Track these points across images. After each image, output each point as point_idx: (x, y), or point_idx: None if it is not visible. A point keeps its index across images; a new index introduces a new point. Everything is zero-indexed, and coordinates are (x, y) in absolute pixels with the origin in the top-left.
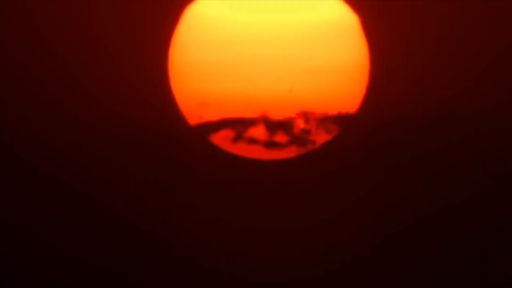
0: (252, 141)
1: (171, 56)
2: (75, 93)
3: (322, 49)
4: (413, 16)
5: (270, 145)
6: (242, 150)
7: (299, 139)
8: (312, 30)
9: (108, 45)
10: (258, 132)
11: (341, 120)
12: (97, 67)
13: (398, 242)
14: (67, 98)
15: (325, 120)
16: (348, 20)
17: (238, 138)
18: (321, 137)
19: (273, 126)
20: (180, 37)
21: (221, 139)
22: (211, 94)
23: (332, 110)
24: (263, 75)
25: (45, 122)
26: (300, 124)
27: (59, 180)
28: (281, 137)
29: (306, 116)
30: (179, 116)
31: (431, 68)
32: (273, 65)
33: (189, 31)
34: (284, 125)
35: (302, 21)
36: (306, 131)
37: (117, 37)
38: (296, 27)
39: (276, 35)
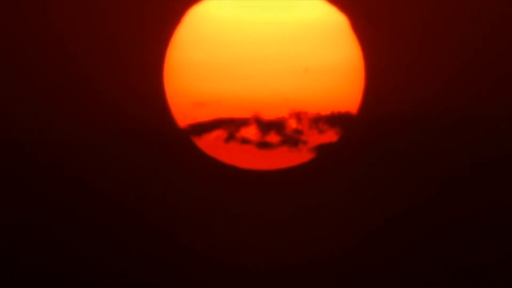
0: (245, 141)
1: (169, 56)
2: (69, 91)
3: (315, 50)
4: (403, 15)
5: (263, 145)
6: (235, 150)
7: (291, 139)
8: (305, 31)
9: (107, 46)
10: (251, 132)
11: (334, 120)
12: (94, 67)
13: (395, 239)
14: (60, 95)
15: (318, 120)
16: (337, 21)
17: (230, 138)
18: (313, 137)
19: (265, 126)
20: (178, 38)
21: (214, 139)
22: (204, 95)
23: (325, 110)
24: (256, 75)
25: (39, 119)
26: (293, 124)
27: (49, 177)
28: (273, 137)
29: (298, 116)
30: (171, 118)
31: (426, 66)
32: (265, 65)
33: (187, 32)
34: (276, 125)
35: (295, 22)
36: (298, 131)
37: (117, 39)
38: (289, 28)
39: (269, 35)
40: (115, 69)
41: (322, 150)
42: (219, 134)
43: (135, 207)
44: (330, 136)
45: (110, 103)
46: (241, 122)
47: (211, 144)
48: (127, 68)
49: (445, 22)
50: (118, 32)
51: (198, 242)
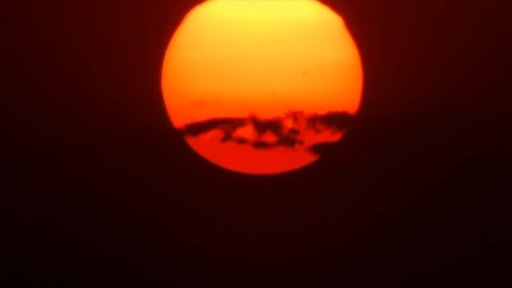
0: (241, 141)
1: (168, 56)
2: (65, 87)
3: (311, 50)
4: (397, 13)
5: (259, 145)
6: (231, 149)
7: (288, 139)
8: (301, 31)
9: (106, 46)
10: (247, 132)
11: (331, 120)
12: (92, 66)
13: (395, 239)
14: (56, 93)
15: (314, 120)
16: (332, 21)
17: (227, 138)
18: (310, 137)
19: (262, 126)
20: (178, 38)
21: (210, 139)
22: (202, 94)
23: (322, 110)
24: (252, 75)
25: (36, 118)
26: (289, 124)
27: (39, 175)
28: (269, 137)
29: (295, 116)
30: (168, 117)
31: (422, 65)
32: (261, 65)
33: (187, 33)
34: (273, 125)
35: (291, 22)
36: (294, 131)
37: (118, 39)
38: (285, 28)
39: (265, 35)
40: (114, 68)
41: (318, 150)
42: (215, 134)
43: (128, 207)
44: (327, 135)
45: (106, 102)
46: (238, 122)
47: (208, 144)
48: (126, 67)
49: (440, 19)
50: (119, 32)
51: (191, 246)
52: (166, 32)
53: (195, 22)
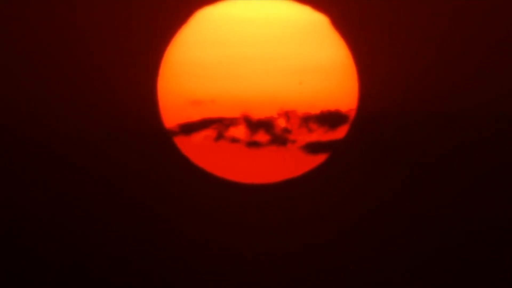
0: (234, 140)
1: (167, 56)
2: (61, 90)
3: (303, 49)
4: (383, 11)
5: (252, 144)
6: (224, 149)
7: (280, 138)
8: (292, 31)
9: (107, 46)
10: (240, 131)
11: (324, 119)
12: (91, 65)
13: (395, 240)
14: (54, 92)
15: (307, 119)
16: (321, 21)
17: (219, 137)
18: (302, 136)
19: (254, 125)
20: (178, 39)
21: (203, 138)
22: (197, 94)
23: (314, 109)
24: (246, 75)
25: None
26: (282, 123)
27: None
28: (262, 137)
29: (287, 115)
30: (159, 117)
31: (417, 62)
32: (256, 65)
33: (187, 33)
34: (265, 125)
35: (283, 22)
36: (287, 131)
37: (120, 39)
38: (277, 28)
39: (259, 34)
40: (113, 68)
41: (311, 149)
42: (208, 133)
43: (113, 207)
44: (320, 135)
45: (103, 101)
46: (230, 122)
47: (200, 144)
48: (124, 66)
49: (429, 11)
50: (120, 32)
51: (177, 249)
52: (166, 33)
53: (196, 23)
